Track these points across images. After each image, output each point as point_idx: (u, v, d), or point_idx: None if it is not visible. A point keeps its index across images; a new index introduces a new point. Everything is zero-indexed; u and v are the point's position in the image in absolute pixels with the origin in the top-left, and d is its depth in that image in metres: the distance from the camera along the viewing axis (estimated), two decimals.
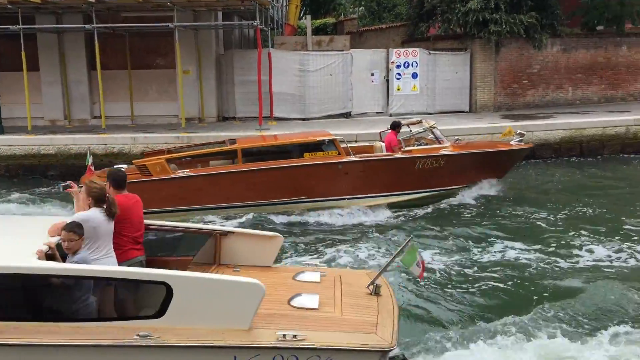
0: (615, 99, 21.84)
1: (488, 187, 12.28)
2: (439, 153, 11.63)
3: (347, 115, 19.26)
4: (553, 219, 10.97)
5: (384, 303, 5.19)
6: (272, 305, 4.93)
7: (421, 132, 12.29)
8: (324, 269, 6.22)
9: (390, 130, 12.01)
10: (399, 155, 11.48)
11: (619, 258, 8.95)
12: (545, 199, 12.44)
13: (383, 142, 11.98)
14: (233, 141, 11.87)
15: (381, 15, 31.29)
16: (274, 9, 21.03)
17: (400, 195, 11.62)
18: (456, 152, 11.89)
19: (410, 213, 11.49)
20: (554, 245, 9.50)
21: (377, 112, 19.53)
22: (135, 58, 18.56)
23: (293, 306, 4.96)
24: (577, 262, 8.83)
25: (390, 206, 11.56)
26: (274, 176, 10.92)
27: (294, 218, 11.11)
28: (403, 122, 12.43)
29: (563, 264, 8.75)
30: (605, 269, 8.53)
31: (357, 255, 9.05)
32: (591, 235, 9.87)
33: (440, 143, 11.89)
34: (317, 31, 28.66)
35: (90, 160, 10.97)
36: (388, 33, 24.96)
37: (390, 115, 19.37)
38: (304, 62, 18.83)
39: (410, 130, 12.35)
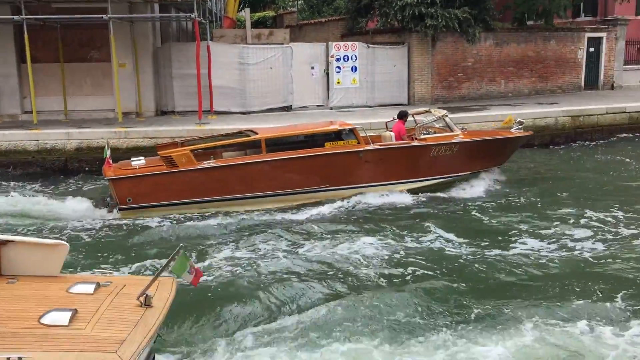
0: (545, 92, 22.82)
1: (498, 174, 12.96)
2: (453, 141, 11.96)
3: (288, 108, 19.30)
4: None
5: (149, 315, 4.93)
6: (21, 323, 4.67)
7: (435, 120, 12.54)
8: (113, 278, 6.04)
9: (397, 120, 12.39)
10: (416, 143, 11.78)
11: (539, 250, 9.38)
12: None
13: (391, 131, 12.23)
14: (250, 132, 11.86)
15: (320, 9, 31.44)
16: (212, 1, 20.79)
17: (417, 182, 11.92)
18: (468, 140, 12.20)
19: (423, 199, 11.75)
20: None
21: (317, 105, 19.65)
22: (68, 51, 17.96)
23: (42, 323, 4.66)
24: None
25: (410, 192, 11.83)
26: (297, 165, 11.06)
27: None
28: (410, 111, 12.82)
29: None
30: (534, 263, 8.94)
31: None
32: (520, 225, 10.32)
33: (452, 131, 12.16)
34: (256, 24, 28.50)
35: (108, 153, 10.88)
36: (327, 27, 25.11)
37: (331, 108, 19.57)
38: (244, 55, 18.72)
39: (415, 120, 12.62)
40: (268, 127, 13.35)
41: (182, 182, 10.63)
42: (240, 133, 12.35)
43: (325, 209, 11.04)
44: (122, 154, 14.03)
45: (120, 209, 10.64)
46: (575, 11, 25.94)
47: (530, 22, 23.19)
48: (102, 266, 8.53)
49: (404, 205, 11.31)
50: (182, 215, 10.67)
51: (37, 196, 11.91)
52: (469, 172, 12.40)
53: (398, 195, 11.57)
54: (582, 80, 23.61)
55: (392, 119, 13.00)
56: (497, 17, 21.75)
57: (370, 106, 19.99)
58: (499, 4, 22.36)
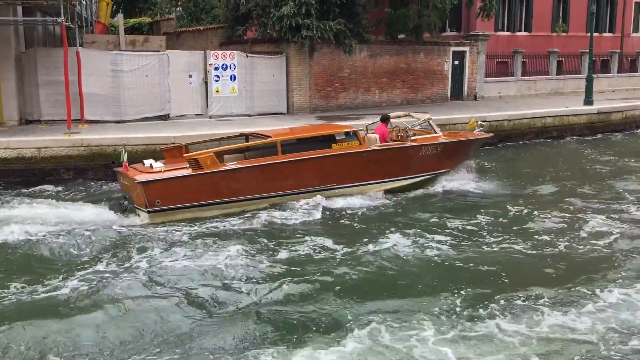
0: (416, 101, 24.15)
1: (468, 170, 14.29)
2: (438, 141, 13.22)
3: (165, 117, 18.86)
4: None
5: None
6: None
7: (421, 122, 13.90)
8: None
9: (380, 123, 13.26)
10: (409, 143, 12.96)
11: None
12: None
13: (374, 133, 12.94)
14: (254, 135, 12.91)
15: (199, 17, 31.07)
16: (81, 5, 19.85)
17: (409, 179, 13.11)
18: (450, 140, 13.62)
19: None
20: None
21: (196, 114, 19.40)
22: None
23: None
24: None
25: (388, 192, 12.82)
26: (309, 165, 11.78)
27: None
28: (391, 114, 13.85)
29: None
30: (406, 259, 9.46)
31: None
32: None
33: (435, 133, 13.50)
34: (132, 30, 27.61)
35: (125, 157, 11.08)
36: (206, 35, 24.89)
37: (210, 117, 19.40)
38: (117, 62, 18.06)
39: (391, 123, 13.72)
40: (273, 129, 14.17)
41: (208, 183, 10.96)
42: (240, 136, 13.47)
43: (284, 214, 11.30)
44: None
45: (149, 212, 10.69)
46: (442, 26, 27.69)
47: (401, 36, 24.44)
48: None
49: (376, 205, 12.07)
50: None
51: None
52: (447, 170, 13.71)
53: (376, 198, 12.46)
54: (449, 91, 25.26)
55: (372, 122, 14.26)
56: (370, 31, 22.72)
57: (249, 115, 20.06)
58: (372, 18, 23.38)
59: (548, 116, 21.52)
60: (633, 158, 17.56)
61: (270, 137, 11.96)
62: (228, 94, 19.81)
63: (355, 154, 12.26)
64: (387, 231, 10.29)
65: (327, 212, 11.48)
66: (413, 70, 23.99)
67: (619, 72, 33.90)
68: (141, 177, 10.61)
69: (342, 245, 9.69)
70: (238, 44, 22.04)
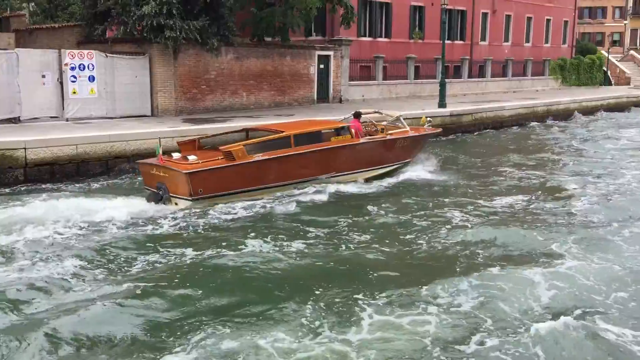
0: (283, 104, 24.54)
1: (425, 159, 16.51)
2: (408, 135, 15.44)
3: (15, 120, 17.57)
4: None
5: None
6: None
7: (394, 120, 16.39)
8: None
9: (354, 119, 15.02)
10: (390, 137, 14.95)
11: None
12: None
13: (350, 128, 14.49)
14: (255, 129, 14.87)
15: (54, 14, 29.24)
16: None
17: (387, 167, 15.22)
18: (417, 134, 15.90)
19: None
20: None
21: (51, 117, 18.26)
22: None
23: None
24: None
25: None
26: (317, 156, 13.51)
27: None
28: (362, 111, 15.82)
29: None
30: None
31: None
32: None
33: (405, 128, 15.71)
34: None
35: (160, 150, 12.03)
36: (62, 33, 23.46)
37: (67, 119, 18.37)
38: None
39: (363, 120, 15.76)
40: (278, 123, 16.49)
41: (239, 173, 12.32)
42: (243, 130, 15.10)
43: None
44: None
45: (193, 199, 11.76)
46: (307, 30, 28.38)
47: (268, 39, 24.71)
48: None
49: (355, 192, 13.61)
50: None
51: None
52: (409, 160, 15.89)
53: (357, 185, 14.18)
54: (315, 94, 25.95)
55: (343, 117, 16.30)
56: (236, 33, 22.72)
57: (111, 117, 19.25)
58: (239, 21, 23.41)
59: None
60: (479, 158, 19.16)
61: (282, 131, 13.43)
62: (86, 95, 18.87)
63: (352, 146, 14.16)
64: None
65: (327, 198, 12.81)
66: (280, 73, 24.35)
67: (469, 77, 36.77)
68: (187, 169, 11.70)
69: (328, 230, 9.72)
70: (98, 44, 21.05)
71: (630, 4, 68.28)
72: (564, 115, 31.53)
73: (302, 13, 23.24)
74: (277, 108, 23.69)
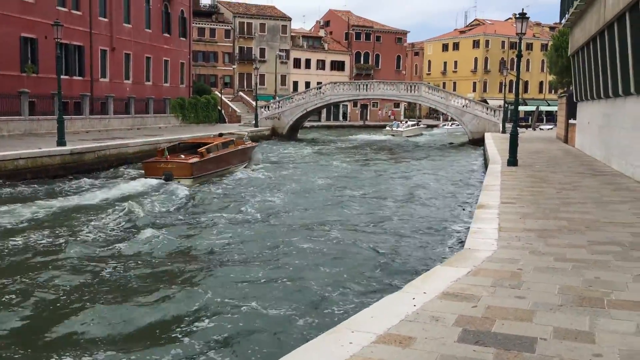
0: None
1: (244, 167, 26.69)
2: (249, 145, 27.71)
3: None
4: None
5: None
6: None
7: (243, 136, 29.18)
8: None
9: (219, 136, 26.11)
10: (247, 145, 27.73)
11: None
12: None
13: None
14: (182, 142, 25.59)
15: None
16: None
17: (241, 164, 26.41)
18: (251, 145, 28.07)
19: None
20: None
21: None
22: None
23: None
24: None
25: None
26: (227, 156, 24.60)
27: None
28: (223, 133, 27.35)
29: None
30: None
31: None
32: None
33: (249, 141, 28.21)
34: None
35: (167, 152, 21.37)
36: None
37: None
38: None
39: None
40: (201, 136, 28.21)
41: (206, 164, 22.13)
42: (179, 143, 25.11)
43: None
44: None
45: (194, 178, 20.90)
46: None
47: None
48: None
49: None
50: None
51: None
52: (246, 162, 26.67)
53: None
54: None
55: (218, 134, 28.53)
56: None
57: None
58: None
59: (20, 158, 21.01)
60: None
61: (209, 142, 24.17)
62: None
63: (241, 149, 26.02)
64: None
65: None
66: None
67: (91, 114, 35.97)
68: (190, 161, 21.15)
69: None
70: None
71: (237, 51, 77.12)
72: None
73: None
74: None
